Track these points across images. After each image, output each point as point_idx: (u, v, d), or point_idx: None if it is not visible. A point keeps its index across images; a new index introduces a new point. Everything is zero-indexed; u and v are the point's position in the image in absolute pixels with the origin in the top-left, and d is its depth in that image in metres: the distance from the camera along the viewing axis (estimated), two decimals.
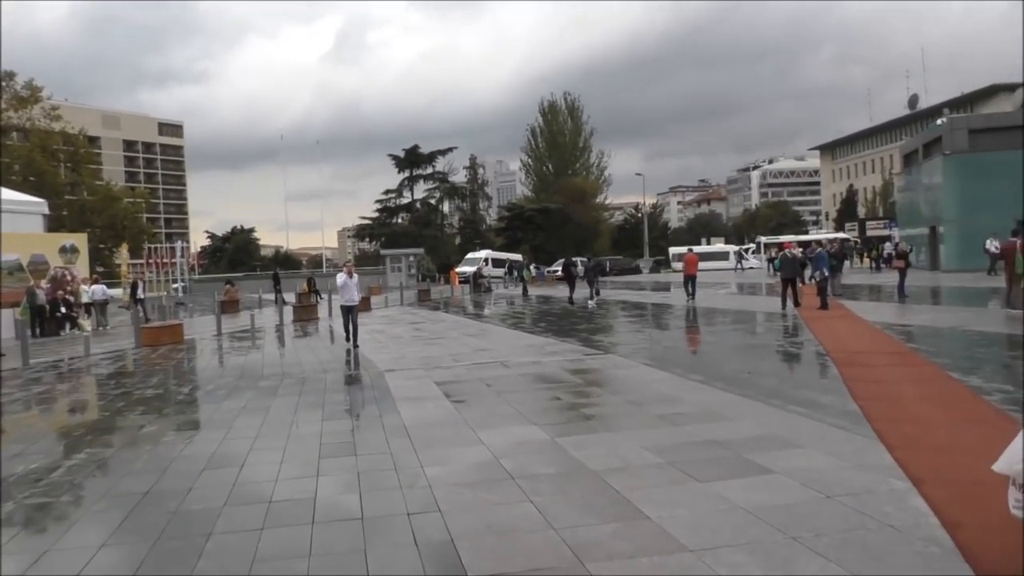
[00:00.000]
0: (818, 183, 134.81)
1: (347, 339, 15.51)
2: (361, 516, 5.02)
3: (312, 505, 5.27)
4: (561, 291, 38.19)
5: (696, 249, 51.52)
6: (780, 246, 44.32)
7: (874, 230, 63.07)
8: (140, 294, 27.95)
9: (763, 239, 67.42)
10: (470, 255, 62.54)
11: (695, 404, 8.09)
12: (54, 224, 41.65)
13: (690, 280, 25.68)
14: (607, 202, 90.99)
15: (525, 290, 37.33)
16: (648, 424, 7.29)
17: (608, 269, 59.68)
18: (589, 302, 26.33)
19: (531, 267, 58.61)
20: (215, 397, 10.33)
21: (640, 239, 78.06)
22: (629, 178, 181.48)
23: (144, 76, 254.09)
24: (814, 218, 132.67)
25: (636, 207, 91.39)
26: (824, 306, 18.59)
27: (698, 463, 5.81)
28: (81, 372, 14.34)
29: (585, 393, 9.09)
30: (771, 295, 26.81)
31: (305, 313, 25.66)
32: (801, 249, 42.05)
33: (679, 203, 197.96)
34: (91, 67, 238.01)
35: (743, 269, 56.86)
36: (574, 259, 34.67)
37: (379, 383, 10.68)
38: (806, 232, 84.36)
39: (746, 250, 66.97)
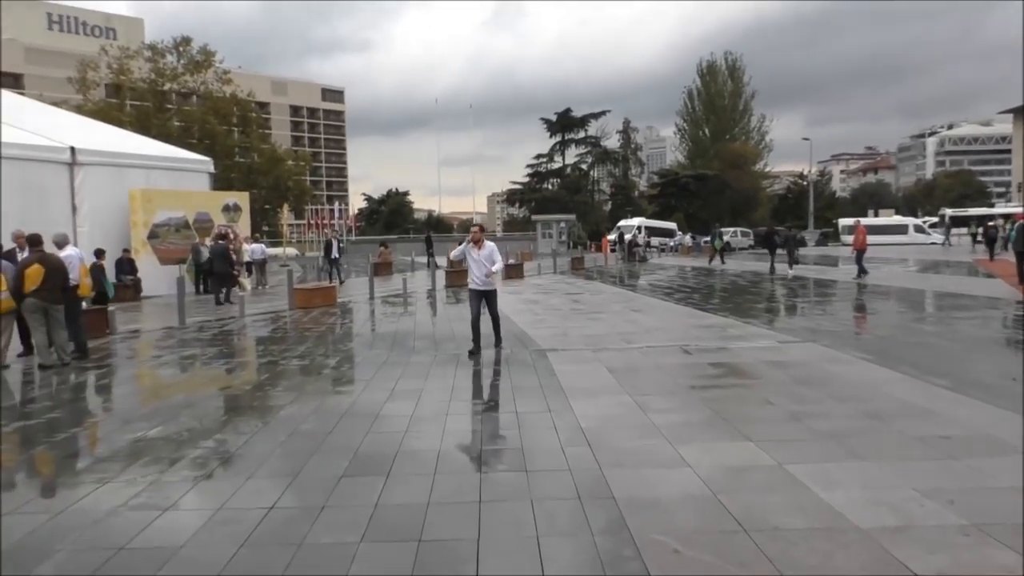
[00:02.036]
0: (1008, 151, 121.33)
1: (473, 340, 10.33)
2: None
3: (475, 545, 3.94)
4: (718, 263, 35.75)
5: (866, 221, 46.98)
6: (1008, 217, 39.29)
7: None
8: (335, 253, 26.25)
9: (949, 211, 61.00)
10: (622, 222, 60.37)
11: (961, 424, 6.16)
12: (223, 184, 43.39)
13: (860, 255, 22.99)
14: (767, 169, 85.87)
15: (722, 259, 35.16)
16: (908, 451, 5.49)
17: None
18: (789, 271, 26.15)
19: (688, 236, 55.92)
20: (359, 374, 9.32)
21: (803, 209, 72.91)
22: (789, 145, 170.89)
23: (312, 46, 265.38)
24: (1002, 190, 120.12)
25: (800, 175, 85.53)
26: None
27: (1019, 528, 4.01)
28: (232, 334, 13.92)
29: (800, 397, 7.31)
30: (972, 275, 23.39)
31: (458, 278, 24.78)
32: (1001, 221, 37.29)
33: (842, 172, 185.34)
34: (265, 38, 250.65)
35: (950, 245, 49.63)
36: (776, 228, 33.90)
37: (542, 365, 9.32)
38: (991, 205, 75.97)
39: (924, 223, 60.87)
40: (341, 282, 24.41)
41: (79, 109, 45.67)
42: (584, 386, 8.05)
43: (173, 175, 24.50)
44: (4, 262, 9.98)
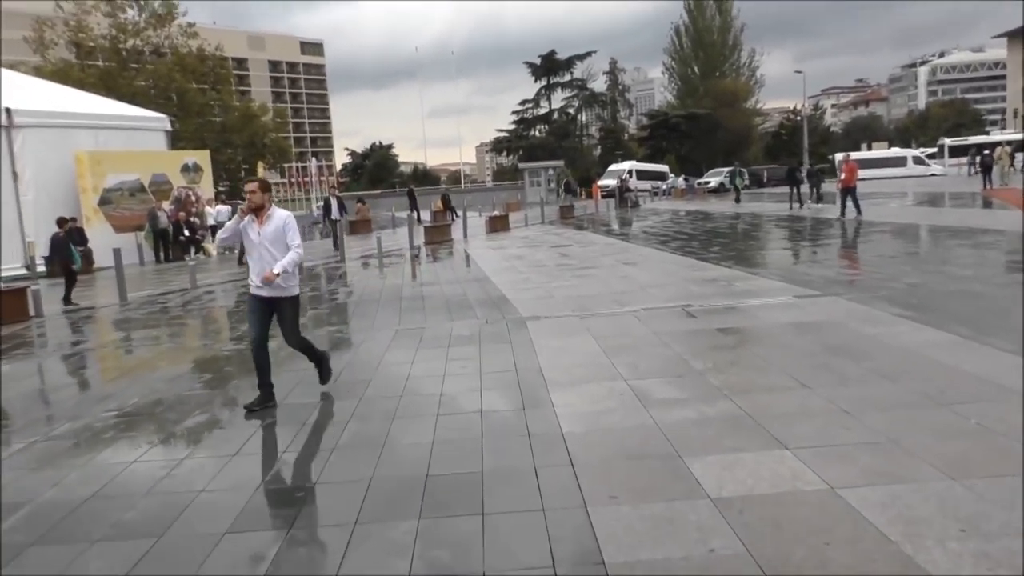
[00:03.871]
0: (1002, 77, 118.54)
1: (259, 381, 6.12)
2: None
3: None
4: (715, 205, 34.13)
5: (858, 155, 45.08)
6: (979, 147, 37.67)
7: None
8: (335, 214, 22.21)
9: (948, 141, 59.15)
10: (613, 167, 58.50)
11: None
12: (196, 144, 41.34)
13: (848, 192, 21.23)
14: (759, 106, 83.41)
15: (738, 198, 35.31)
16: (999, 456, 4.02)
17: (766, 179, 54.33)
18: (813, 205, 26.92)
19: (682, 179, 54.28)
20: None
21: (797, 146, 70.82)
22: (779, 81, 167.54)
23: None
24: (996, 117, 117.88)
25: (793, 110, 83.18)
26: None
27: None
28: (172, 311, 12.38)
29: (840, 375, 5.82)
30: (987, 208, 21.85)
31: (438, 234, 23.22)
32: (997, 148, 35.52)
33: (833, 106, 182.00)
34: None
35: (976, 172, 44.42)
36: (797, 165, 34.24)
37: (520, 340, 7.81)
38: (987, 133, 74.01)
39: (923, 154, 59.00)
40: (336, 247, 20.50)
41: (38, 71, 43.28)
42: (568, 369, 6.55)
43: (126, 135, 22.74)
44: None
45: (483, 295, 11.21)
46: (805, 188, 28.78)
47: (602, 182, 50.03)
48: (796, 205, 27.13)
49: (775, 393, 5.47)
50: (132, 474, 4.77)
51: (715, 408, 5.20)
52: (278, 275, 5.81)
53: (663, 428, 4.83)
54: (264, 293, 5.99)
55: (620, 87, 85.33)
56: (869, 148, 71.27)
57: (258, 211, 5.91)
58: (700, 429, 4.81)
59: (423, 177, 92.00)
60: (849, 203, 21.00)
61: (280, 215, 6.00)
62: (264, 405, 5.99)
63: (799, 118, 75.98)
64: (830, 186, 29.36)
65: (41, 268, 18.25)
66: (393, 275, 14.89)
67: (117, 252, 13.76)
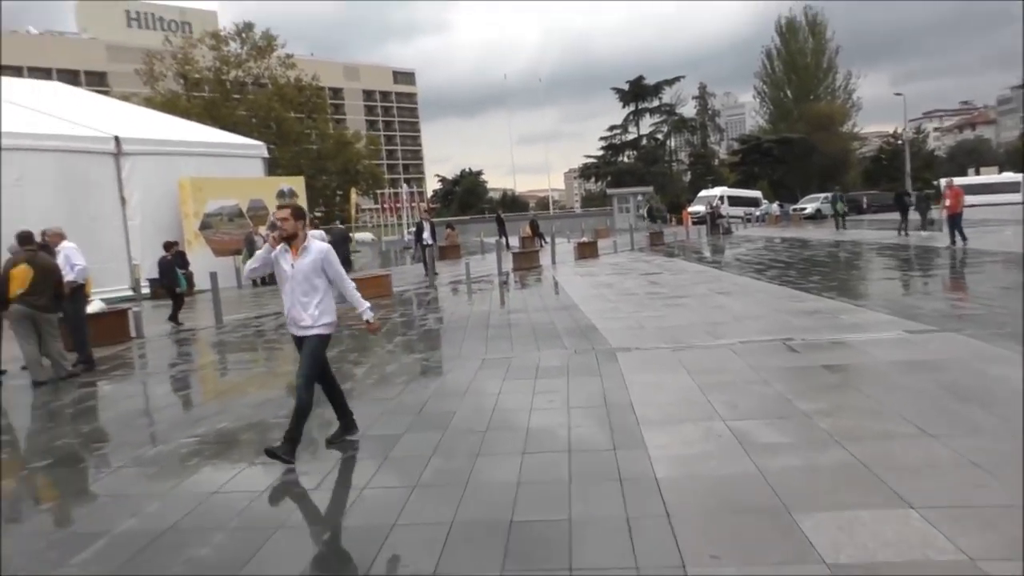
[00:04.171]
0: None
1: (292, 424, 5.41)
2: None
3: None
4: (813, 232, 32.90)
5: (964, 181, 42.92)
6: None
7: None
8: (427, 239, 21.45)
9: None
10: (703, 193, 57.39)
11: None
12: (292, 171, 42.74)
13: (955, 219, 20.04)
14: (856, 130, 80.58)
15: (842, 224, 34.41)
16: None
17: (866, 206, 52.21)
18: (922, 233, 25.78)
19: (776, 205, 52.87)
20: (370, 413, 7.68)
21: (898, 170, 67.92)
22: (875, 104, 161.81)
23: (391, 31, 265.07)
24: None
25: (893, 133, 79.96)
26: None
27: None
28: (266, 334, 12.56)
29: (968, 423, 5.25)
30: None
31: (526, 261, 23.04)
32: None
33: (936, 129, 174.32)
34: (343, 25, 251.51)
35: None
36: (906, 190, 34.03)
37: (610, 373, 7.48)
38: None
39: None
40: (435, 273, 20.07)
41: (148, 102, 45.69)
42: (662, 406, 6.19)
43: (225, 162, 23.58)
44: None
45: (571, 324, 10.92)
46: (915, 215, 27.48)
47: (692, 208, 49.11)
48: (903, 233, 25.81)
49: (894, 441, 4.97)
50: (211, 506, 4.68)
51: (826, 456, 4.75)
52: (376, 325, 5.81)
53: (768, 477, 4.42)
54: (296, 331, 5.52)
55: (710, 112, 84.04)
56: (977, 173, 67.73)
57: (291, 240, 5.39)
58: (810, 480, 4.39)
59: (512, 203, 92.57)
60: (956, 228, 19.92)
61: (318, 247, 5.42)
62: (343, 437, 5.80)
63: (900, 142, 72.98)
64: (939, 212, 27.88)
65: (145, 290, 18.97)
66: (481, 301, 14.76)
67: (214, 276, 14.13)
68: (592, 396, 6.64)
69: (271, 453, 5.26)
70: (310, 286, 5.37)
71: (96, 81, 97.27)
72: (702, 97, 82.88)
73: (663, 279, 16.81)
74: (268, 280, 22.17)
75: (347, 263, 21.62)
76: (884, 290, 13.26)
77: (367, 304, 5.58)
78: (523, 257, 23.40)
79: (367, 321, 5.59)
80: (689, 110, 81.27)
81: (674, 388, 6.76)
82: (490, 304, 14.26)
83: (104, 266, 19.18)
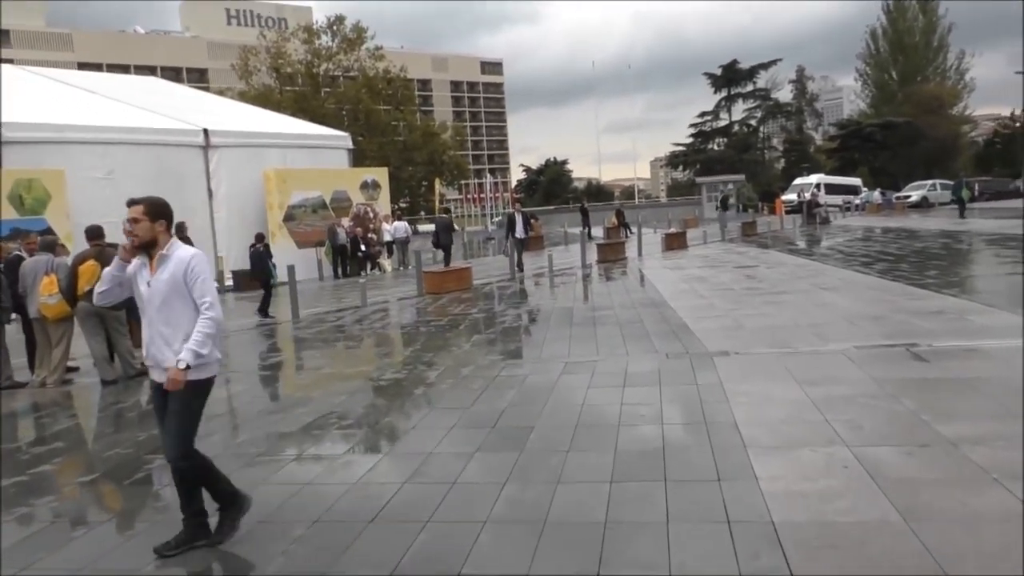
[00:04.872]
0: None
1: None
2: None
3: None
4: (920, 222, 30.76)
5: None
6: None
7: None
8: (519, 232, 19.33)
9: None
10: (797, 180, 54.91)
11: None
12: (379, 162, 42.98)
13: None
14: (968, 113, 75.70)
15: (963, 212, 31.71)
16: None
17: (977, 193, 48.84)
18: None
19: (877, 192, 50.21)
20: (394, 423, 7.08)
21: (1014, 156, 63.37)
22: (990, 85, 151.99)
23: (481, 21, 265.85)
24: None
25: (1011, 116, 74.75)
26: None
27: None
28: (341, 330, 12.19)
29: None
30: None
31: (611, 252, 22.15)
32: None
33: None
34: (434, 16, 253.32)
35: None
36: None
37: (707, 382, 6.66)
38: None
39: None
40: (521, 269, 18.55)
41: (242, 96, 46.75)
42: (772, 426, 5.37)
43: (310, 153, 23.58)
44: (56, 259, 8.57)
45: (661, 322, 10.10)
46: None
47: (786, 196, 46.99)
48: None
49: None
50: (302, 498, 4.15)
51: (985, 501, 3.87)
52: (186, 371, 3.75)
53: (916, 529, 3.59)
54: (157, 376, 3.95)
55: (807, 96, 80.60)
56: None
57: (149, 249, 3.89)
58: (971, 536, 3.53)
59: (596, 193, 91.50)
60: None
61: (181, 255, 3.89)
62: (186, 546, 3.94)
63: (1018, 124, 68.21)
64: None
65: (229, 282, 19.07)
66: (564, 296, 14.06)
67: (291, 269, 13.89)
68: (689, 411, 5.87)
69: (179, 544, 3.91)
70: (171, 311, 3.83)
71: (196, 78, 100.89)
72: (799, 81, 79.65)
73: (759, 272, 15.71)
74: (349, 272, 22.15)
75: (447, 251, 21.18)
76: (1016, 288, 11.88)
77: (197, 347, 3.77)
78: (608, 248, 22.51)
79: (175, 369, 3.76)
80: (785, 95, 78.29)
81: (784, 402, 5.92)
82: (573, 299, 13.55)
83: None
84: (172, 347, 3.82)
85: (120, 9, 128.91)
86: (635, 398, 6.35)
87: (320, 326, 12.59)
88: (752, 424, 5.38)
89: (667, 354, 8.03)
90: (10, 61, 40.18)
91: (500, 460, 5.05)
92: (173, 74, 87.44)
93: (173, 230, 4.02)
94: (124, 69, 76.60)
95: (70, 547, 4.23)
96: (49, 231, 15.12)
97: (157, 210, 3.91)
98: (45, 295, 8.17)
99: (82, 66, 68.56)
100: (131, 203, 3.92)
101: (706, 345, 8.33)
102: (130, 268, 3.95)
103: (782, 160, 78.47)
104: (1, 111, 16.57)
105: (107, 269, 4.07)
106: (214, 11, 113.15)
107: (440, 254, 22.18)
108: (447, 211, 20.12)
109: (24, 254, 9.29)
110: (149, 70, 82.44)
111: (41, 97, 20.53)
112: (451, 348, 9.64)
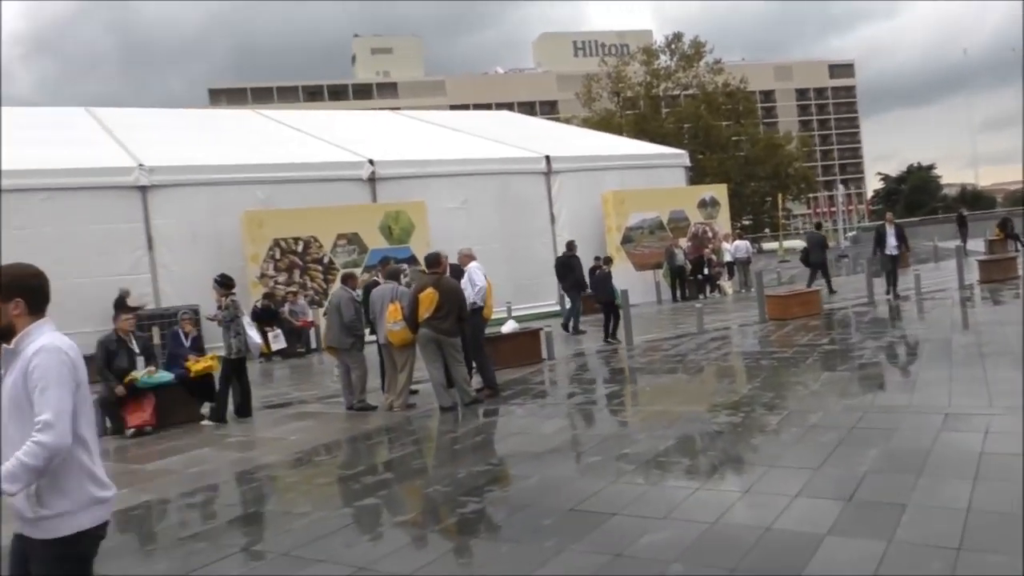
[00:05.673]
0: None
1: None
2: None
3: None
4: None
5: None
6: None
7: None
8: (890, 248, 16.79)
9: None
10: None
11: None
12: (720, 178, 41.77)
13: None
14: None
15: None
16: None
17: None
18: None
19: None
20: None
21: None
22: None
23: (830, 24, 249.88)
24: None
25: None
26: None
27: None
28: (678, 358, 11.47)
29: None
30: None
31: (999, 270, 18.62)
32: None
33: None
34: (778, 23, 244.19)
35: None
36: None
37: None
38: None
39: None
40: (894, 290, 16.28)
41: (585, 122, 48.55)
42: None
43: (647, 173, 23.36)
44: (400, 288, 9.07)
45: None
46: None
47: None
48: None
49: None
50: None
51: None
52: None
53: None
54: (17, 526, 2.76)
55: None
56: None
57: (6, 338, 2.74)
58: None
59: (973, 200, 79.92)
60: None
61: (33, 348, 2.67)
62: None
63: None
64: None
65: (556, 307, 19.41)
66: (939, 325, 11.86)
67: (624, 293, 13.57)
68: None
69: None
70: (22, 428, 2.63)
71: (548, 109, 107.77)
72: None
73: None
74: (688, 295, 21.41)
75: (822, 270, 19.04)
76: None
77: (7, 478, 2.52)
78: (993, 266, 18.92)
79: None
80: None
81: None
82: (950, 329, 11.35)
83: (535, 281, 20.19)
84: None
85: (483, 50, 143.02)
86: None
87: (652, 355, 12.03)
88: None
89: None
90: (396, 108, 46.11)
91: (860, 551, 3.98)
92: (528, 108, 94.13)
93: (42, 309, 2.78)
94: (487, 107, 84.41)
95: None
96: (412, 259, 16.62)
97: (11, 285, 2.72)
98: (391, 322, 8.66)
99: (453, 107, 76.79)
100: None
101: None
102: None
103: None
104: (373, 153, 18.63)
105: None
106: (562, 45, 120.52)
107: (789, 274, 20.49)
108: (819, 226, 18.52)
109: (381, 280, 10.01)
110: (507, 106, 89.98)
111: (411, 137, 22.95)
112: (796, 387, 8.47)
